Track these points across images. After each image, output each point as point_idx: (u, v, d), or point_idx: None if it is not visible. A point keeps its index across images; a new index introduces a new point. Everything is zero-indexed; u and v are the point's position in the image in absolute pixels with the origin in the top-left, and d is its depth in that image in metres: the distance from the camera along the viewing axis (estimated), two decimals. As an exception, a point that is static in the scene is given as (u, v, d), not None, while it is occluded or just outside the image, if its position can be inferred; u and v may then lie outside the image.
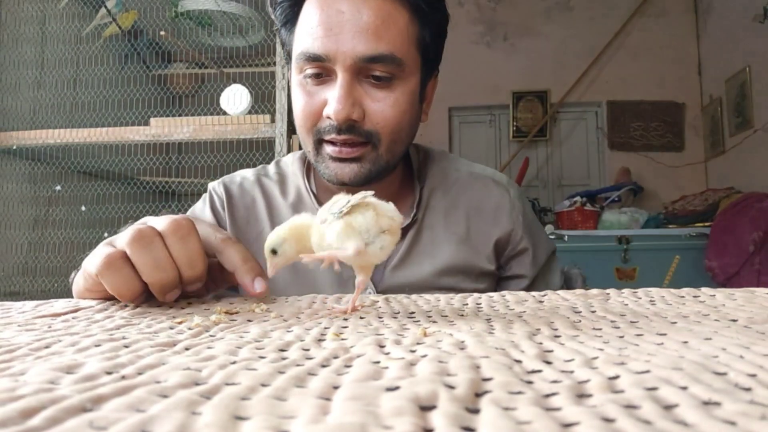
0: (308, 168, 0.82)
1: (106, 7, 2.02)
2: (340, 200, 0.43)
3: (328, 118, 0.67)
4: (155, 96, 2.03)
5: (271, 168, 0.86)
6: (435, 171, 0.82)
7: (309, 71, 0.68)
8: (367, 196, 0.42)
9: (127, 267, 0.46)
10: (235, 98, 1.72)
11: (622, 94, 3.70)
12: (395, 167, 0.76)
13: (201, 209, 0.83)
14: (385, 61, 0.66)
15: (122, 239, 0.47)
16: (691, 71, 3.68)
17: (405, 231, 0.76)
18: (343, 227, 0.41)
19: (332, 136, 0.68)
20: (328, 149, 0.69)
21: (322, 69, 0.68)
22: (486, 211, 0.80)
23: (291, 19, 0.71)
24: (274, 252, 0.44)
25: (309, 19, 0.68)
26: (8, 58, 1.94)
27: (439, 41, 0.74)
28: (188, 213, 0.84)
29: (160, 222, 0.48)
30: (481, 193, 0.81)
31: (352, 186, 0.69)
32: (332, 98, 0.66)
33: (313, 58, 0.66)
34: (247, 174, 0.85)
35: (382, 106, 0.68)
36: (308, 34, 0.67)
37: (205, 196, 0.84)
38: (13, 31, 1.94)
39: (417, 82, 0.72)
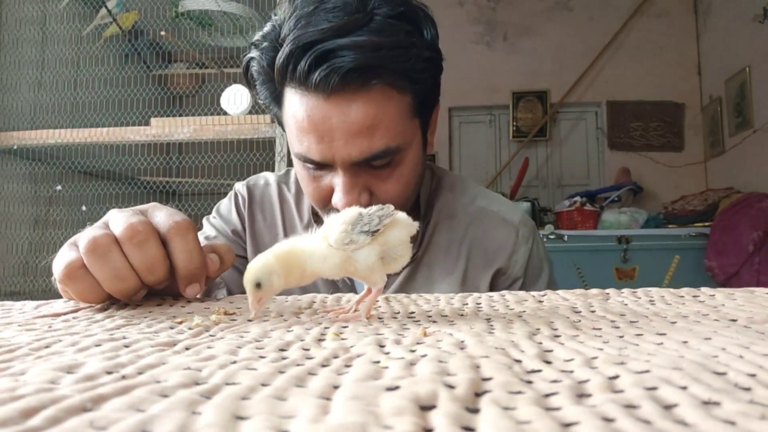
0: None
1: (106, 7, 2.02)
2: (359, 217, 0.40)
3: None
4: (155, 96, 2.03)
5: (293, 176, 0.87)
6: (443, 203, 0.80)
7: (310, 167, 0.68)
8: (390, 212, 0.41)
9: (87, 276, 0.44)
10: (236, 98, 1.72)
11: (622, 94, 3.70)
12: None
13: (227, 207, 0.86)
14: (381, 156, 0.65)
15: (82, 244, 0.45)
16: (691, 71, 3.68)
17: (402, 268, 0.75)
18: (376, 260, 0.40)
19: None
20: None
21: (321, 167, 0.67)
22: (487, 251, 0.77)
23: (275, 97, 0.69)
24: (258, 285, 0.39)
25: (295, 118, 0.64)
26: (9, 59, 1.94)
27: (436, 81, 0.71)
28: (213, 210, 0.87)
29: (118, 225, 0.45)
30: (486, 231, 0.78)
31: None
32: (338, 189, 0.65)
33: (312, 162, 0.66)
34: (270, 179, 0.87)
35: (388, 186, 0.67)
36: (301, 139, 0.65)
37: (231, 195, 0.87)
38: (13, 32, 1.94)
39: (419, 145, 0.70)
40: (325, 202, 0.69)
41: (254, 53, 0.66)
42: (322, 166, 0.66)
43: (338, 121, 0.61)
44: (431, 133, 0.77)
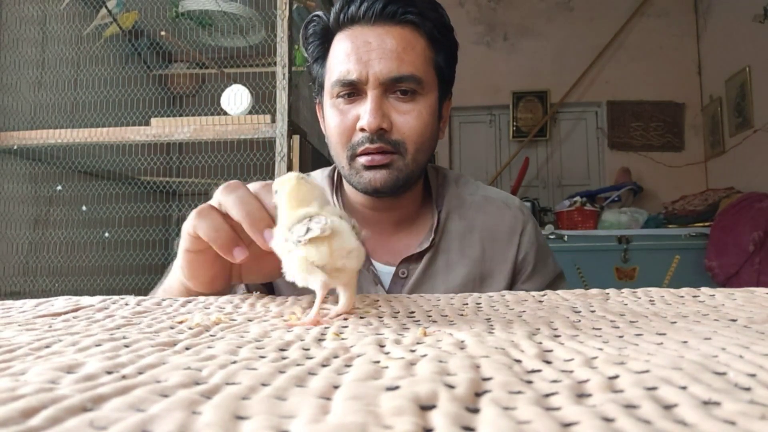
0: (335, 187, 0.88)
1: (106, 7, 2.02)
2: (297, 224, 0.41)
3: (362, 130, 0.75)
4: (156, 96, 2.03)
5: None
6: (451, 194, 0.88)
7: (342, 93, 0.77)
8: (321, 231, 0.40)
9: (215, 212, 0.53)
10: (236, 98, 1.72)
11: (622, 94, 3.70)
12: (419, 177, 0.83)
13: None
14: (407, 80, 0.75)
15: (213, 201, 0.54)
16: (691, 71, 3.68)
17: (423, 254, 0.81)
18: (303, 262, 0.40)
19: (365, 146, 0.75)
20: (361, 159, 0.76)
21: (354, 90, 0.76)
22: (501, 235, 0.85)
23: (322, 55, 0.81)
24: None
25: (340, 50, 0.77)
26: (9, 59, 1.94)
27: (452, 66, 0.83)
28: None
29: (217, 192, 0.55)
30: (495, 217, 0.86)
31: (384, 193, 0.77)
32: (364, 112, 0.75)
33: (348, 84, 0.76)
34: None
35: (407, 118, 0.76)
36: (342, 63, 0.76)
37: None
38: (14, 32, 1.94)
39: (435, 98, 0.80)
40: (350, 133, 0.77)
41: (319, 12, 0.81)
42: (353, 94, 0.76)
43: (376, 45, 0.75)
44: (443, 123, 0.86)
